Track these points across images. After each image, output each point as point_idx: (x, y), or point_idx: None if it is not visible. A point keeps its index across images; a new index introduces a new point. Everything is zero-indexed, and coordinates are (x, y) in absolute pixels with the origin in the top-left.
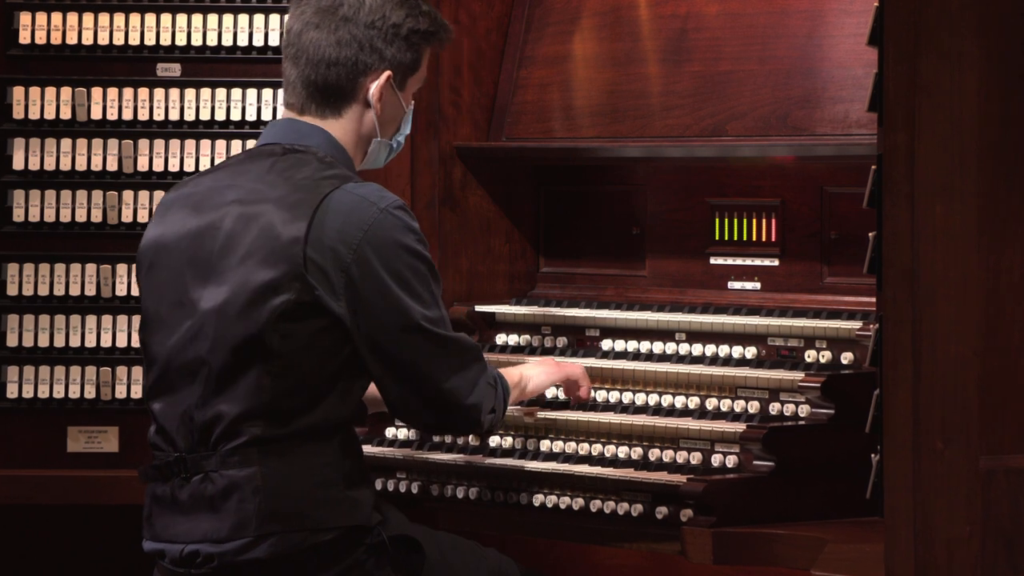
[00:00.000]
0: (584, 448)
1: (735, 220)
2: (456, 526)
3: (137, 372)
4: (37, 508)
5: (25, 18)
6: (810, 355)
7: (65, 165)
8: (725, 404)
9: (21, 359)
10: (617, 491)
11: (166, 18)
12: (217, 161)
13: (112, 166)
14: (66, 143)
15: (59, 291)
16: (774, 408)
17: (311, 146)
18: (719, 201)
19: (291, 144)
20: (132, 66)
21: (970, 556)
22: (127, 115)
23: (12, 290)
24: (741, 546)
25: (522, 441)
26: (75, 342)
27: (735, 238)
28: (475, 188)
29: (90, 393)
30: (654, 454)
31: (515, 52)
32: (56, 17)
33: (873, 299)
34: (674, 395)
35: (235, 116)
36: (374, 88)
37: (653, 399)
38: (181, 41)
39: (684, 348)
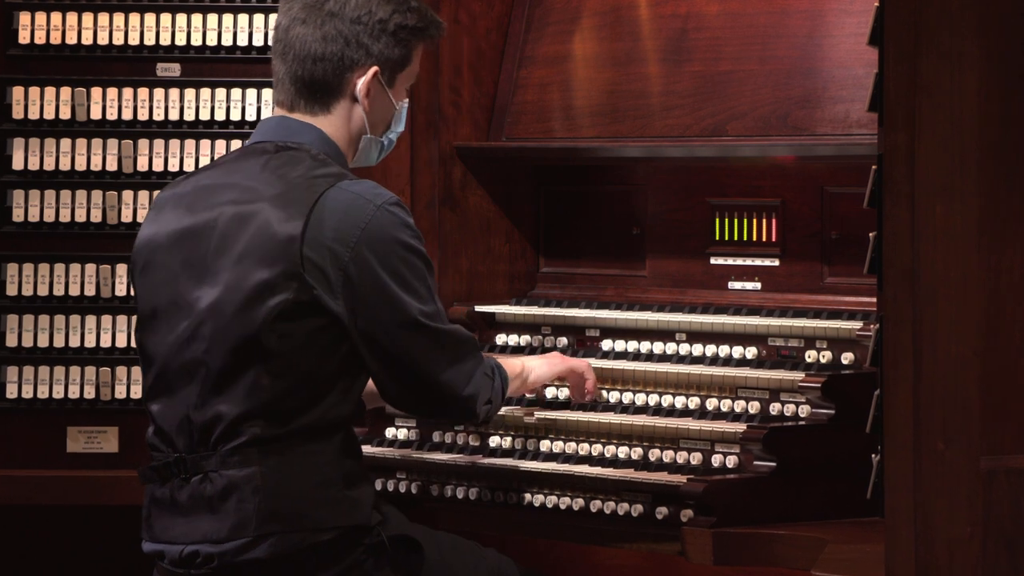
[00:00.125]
0: (584, 448)
1: (735, 220)
2: (456, 526)
3: (137, 372)
4: (37, 508)
5: (25, 18)
6: (810, 355)
7: (65, 165)
8: (725, 404)
9: (21, 359)
10: (617, 491)
11: (166, 18)
12: None
13: (112, 166)
14: (66, 143)
15: (59, 291)
16: (774, 408)
17: (303, 143)
18: (719, 201)
19: (283, 142)
20: (132, 66)
21: (971, 557)
22: (127, 115)
23: (12, 290)
24: (741, 546)
25: (522, 441)
26: (75, 342)
27: (735, 238)
28: (475, 188)
29: (90, 393)
30: (654, 454)
31: (515, 52)
32: (56, 17)
33: (873, 299)
34: (674, 395)
35: (235, 116)
36: (361, 84)
37: (653, 399)
38: (181, 41)
39: (684, 348)
